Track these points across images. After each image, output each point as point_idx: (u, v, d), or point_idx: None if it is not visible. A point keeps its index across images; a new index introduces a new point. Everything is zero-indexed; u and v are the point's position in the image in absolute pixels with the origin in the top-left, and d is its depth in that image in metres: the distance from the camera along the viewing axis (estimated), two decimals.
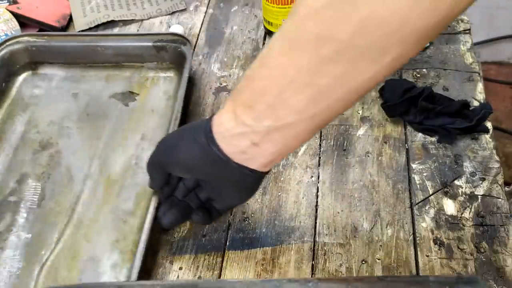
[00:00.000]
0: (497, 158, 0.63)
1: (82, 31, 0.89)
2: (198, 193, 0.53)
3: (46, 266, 0.56)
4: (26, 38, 0.78)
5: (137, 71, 0.79)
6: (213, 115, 0.45)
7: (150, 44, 0.77)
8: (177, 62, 0.76)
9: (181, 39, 0.76)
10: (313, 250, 0.56)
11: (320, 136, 0.68)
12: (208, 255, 0.57)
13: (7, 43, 0.77)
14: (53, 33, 0.84)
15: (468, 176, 0.62)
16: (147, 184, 0.55)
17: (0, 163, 0.67)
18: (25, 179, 0.65)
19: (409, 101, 0.68)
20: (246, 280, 0.51)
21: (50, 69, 0.80)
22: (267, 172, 0.46)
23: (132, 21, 0.90)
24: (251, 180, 0.46)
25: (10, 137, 0.70)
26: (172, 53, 0.77)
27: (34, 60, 0.79)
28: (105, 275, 0.56)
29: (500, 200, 0.59)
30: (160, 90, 0.76)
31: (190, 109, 0.73)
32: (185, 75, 0.70)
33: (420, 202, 0.60)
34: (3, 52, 0.77)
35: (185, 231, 0.59)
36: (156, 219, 0.55)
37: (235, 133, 0.42)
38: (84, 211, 0.62)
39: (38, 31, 0.89)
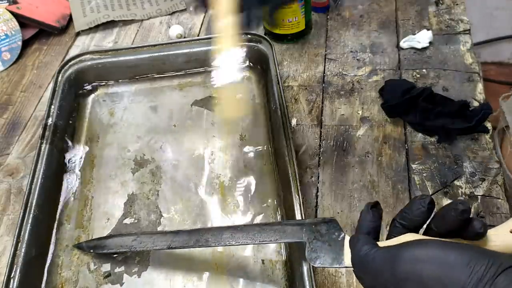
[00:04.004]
0: (496, 158, 0.63)
1: (82, 31, 0.89)
2: None
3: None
4: (89, 56, 0.75)
5: (209, 75, 0.77)
6: None
7: None
8: (254, 60, 0.76)
9: (256, 37, 0.74)
10: None
11: (320, 137, 0.68)
12: None
13: (70, 63, 0.74)
14: (116, 48, 0.77)
15: (468, 176, 0.62)
16: None
17: (103, 187, 0.65)
18: (134, 199, 0.64)
19: (409, 102, 0.68)
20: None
21: (118, 86, 0.77)
22: None
23: (132, 21, 0.91)
24: None
25: (103, 161, 0.68)
26: (248, 52, 0.75)
27: (101, 78, 0.77)
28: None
29: (500, 200, 0.59)
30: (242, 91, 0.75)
31: None
32: (275, 71, 0.68)
33: None
34: (68, 72, 0.73)
35: None
36: None
37: None
38: (212, 223, 0.60)
39: (38, 31, 0.89)
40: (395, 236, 0.37)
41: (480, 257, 0.30)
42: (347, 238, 0.40)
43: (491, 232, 0.35)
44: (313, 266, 0.53)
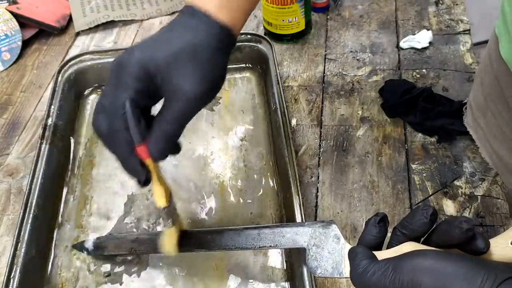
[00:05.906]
0: None
1: (82, 31, 0.89)
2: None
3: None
4: (89, 56, 0.74)
5: None
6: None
7: None
8: (253, 61, 0.76)
9: (256, 37, 0.75)
10: None
11: (320, 137, 0.68)
12: None
13: (70, 63, 0.74)
14: (116, 48, 0.78)
15: (468, 176, 0.62)
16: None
17: (103, 187, 0.65)
18: (134, 199, 0.64)
19: (409, 102, 0.68)
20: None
21: None
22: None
23: (132, 21, 0.91)
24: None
25: (103, 161, 0.68)
26: (248, 52, 0.75)
27: (101, 79, 0.75)
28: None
29: (499, 200, 0.59)
30: (241, 91, 0.75)
31: None
32: (275, 71, 0.68)
33: (419, 202, 0.60)
34: (68, 72, 0.73)
35: None
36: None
37: None
38: (211, 223, 0.60)
39: (38, 31, 0.89)
40: (395, 244, 0.38)
41: (476, 269, 0.30)
42: (347, 247, 0.40)
43: (490, 244, 0.35)
44: None
